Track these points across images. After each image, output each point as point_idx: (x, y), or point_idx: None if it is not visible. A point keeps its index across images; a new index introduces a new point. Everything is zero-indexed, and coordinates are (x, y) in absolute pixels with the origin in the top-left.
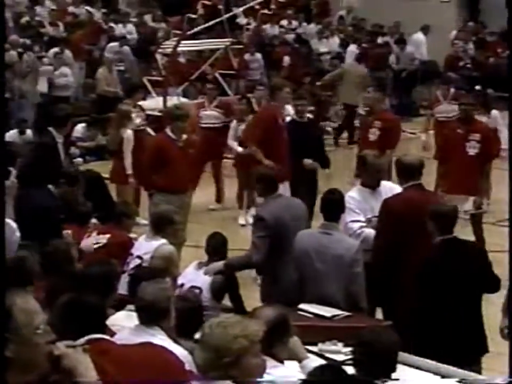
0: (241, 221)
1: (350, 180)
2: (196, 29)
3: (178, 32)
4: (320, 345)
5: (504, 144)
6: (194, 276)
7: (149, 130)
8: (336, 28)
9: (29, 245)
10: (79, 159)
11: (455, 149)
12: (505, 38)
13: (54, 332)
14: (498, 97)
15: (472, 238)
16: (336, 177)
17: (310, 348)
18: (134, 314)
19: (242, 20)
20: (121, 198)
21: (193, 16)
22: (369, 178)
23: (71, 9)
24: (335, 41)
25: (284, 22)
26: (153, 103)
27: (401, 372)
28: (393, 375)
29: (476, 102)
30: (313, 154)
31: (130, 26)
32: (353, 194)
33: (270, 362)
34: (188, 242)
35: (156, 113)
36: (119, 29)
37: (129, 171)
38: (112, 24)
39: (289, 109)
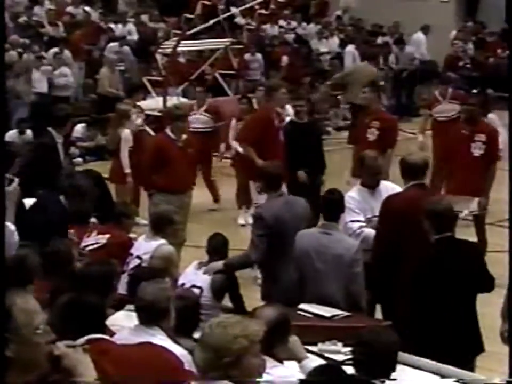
0: (241, 221)
1: (348, 180)
2: (195, 29)
3: (178, 32)
4: (320, 345)
5: (502, 146)
6: (194, 275)
7: (149, 130)
8: (335, 28)
9: (28, 245)
10: (79, 159)
11: (460, 150)
12: (505, 38)
13: (54, 332)
14: (498, 97)
15: (475, 238)
16: (336, 177)
17: (309, 347)
18: (134, 314)
19: (240, 20)
20: (120, 198)
21: (190, 16)
22: (369, 178)
23: (68, 9)
24: (335, 41)
25: (282, 22)
26: (153, 103)
27: (401, 372)
28: (393, 375)
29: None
30: (311, 156)
31: (130, 26)
32: (353, 194)
33: (270, 362)
34: (187, 242)
35: (156, 113)
36: (119, 29)
37: (127, 170)
38: (111, 25)
39: (289, 109)
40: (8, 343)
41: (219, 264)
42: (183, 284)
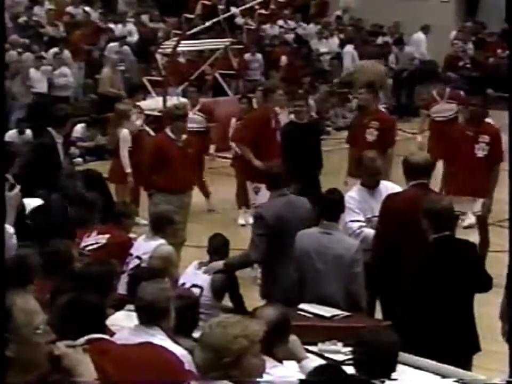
0: (241, 221)
1: (345, 180)
2: (195, 29)
3: (178, 32)
4: (320, 345)
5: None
6: (194, 275)
7: (149, 130)
8: (335, 28)
9: (28, 245)
10: (79, 159)
11: (464, 151)
12: (505, 38)
13: (54, 332)
14: (498, 97)
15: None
16: (335, 177)
17: (309, 347)
18: (134, 314)
19: (240, 20)
20: (120, 198)
21: (190, 16)
22: (368, 178)
23: (68, 9)
24: (335, 41)
25: (282, 22)
26: (153, 103)
27: (401, 372)
28: (393, 375)
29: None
30: (310, 157)
31: (130, 26)
32: (352, 194)
33: (270, 362)
34: (188, 242)
35: (156, 113)
36: (118, 29)
37: (128, 170)
38: (111, 25)
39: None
40: (8, 343)
41: (219, 263)
42: (183, 284)
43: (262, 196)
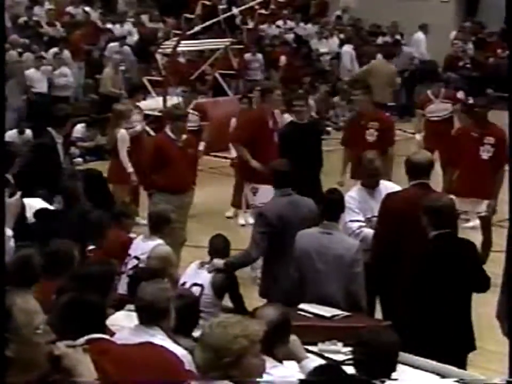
0: (241, 221)
1: (339, 181)
2: (195, 29)
3: (178, 32)
4: (320, 345)
5: None
6: (195, 274)
7: (149, 130)
8: (335, 28)
9: (29, 245)
10: (79, 159)
11: (468, 152)
12: (505, 38)
13: (54, 332)
14: (498, 97)
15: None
16: (335, 177)
17: (310, 347)
18: (134, 314)
19: (240, 20)
20: (120, 198)
21: (190, 16)
22: (368, 179)
23: (68, 9)
24: (335, 41)
25: (282, 22)
26: (153, 103)
27: (401, 372)
28: (393, 375)
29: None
30: (311, 157)
31: (130, 26)
32: (352, 194)
33: (270, 362)
34: (188, 242)
35: (156, 113)
36: (118, 29)
37: (130, 170)
38: (110, 25)
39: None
40: (8, 343)
41: (220, 262)
42: (184, 283)
43: (260, 196)
